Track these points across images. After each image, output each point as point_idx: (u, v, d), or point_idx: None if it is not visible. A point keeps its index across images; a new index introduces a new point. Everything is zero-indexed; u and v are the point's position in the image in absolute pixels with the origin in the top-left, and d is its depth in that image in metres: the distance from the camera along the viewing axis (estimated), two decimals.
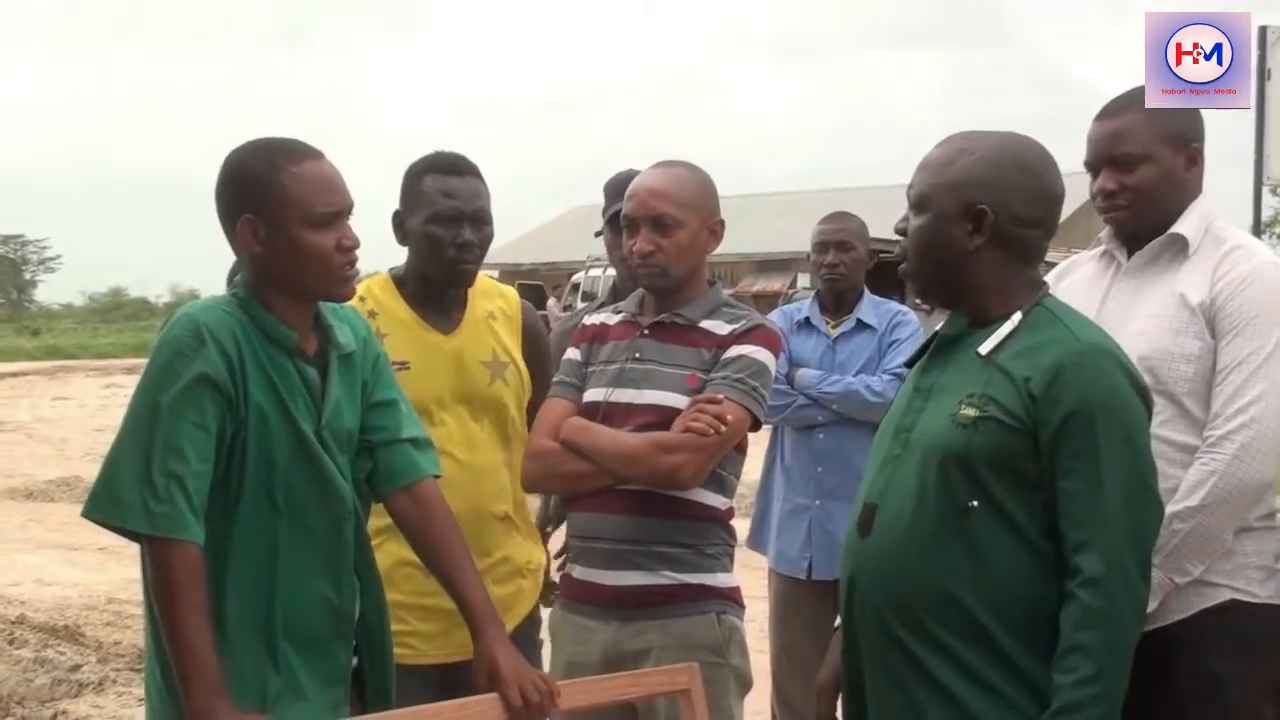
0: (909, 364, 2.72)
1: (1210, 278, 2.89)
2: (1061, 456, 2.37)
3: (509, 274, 37.46)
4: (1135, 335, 2.81)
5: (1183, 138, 3.00)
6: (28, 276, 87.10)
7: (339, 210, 2.65)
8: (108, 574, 9.14)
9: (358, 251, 2.69)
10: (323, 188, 2.63)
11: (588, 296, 23.22)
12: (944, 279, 2.58)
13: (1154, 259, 3.00)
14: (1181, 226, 2.96)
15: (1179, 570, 2.79)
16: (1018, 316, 2.49)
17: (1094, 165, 3.04)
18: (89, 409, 22.43)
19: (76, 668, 6.74)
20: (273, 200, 2.60)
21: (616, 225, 4.12)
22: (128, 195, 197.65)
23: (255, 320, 2.63)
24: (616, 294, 4.14)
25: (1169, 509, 2.71)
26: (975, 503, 2.40)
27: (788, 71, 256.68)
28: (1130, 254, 3.05)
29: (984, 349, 2.47)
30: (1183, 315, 2.88)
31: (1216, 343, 2.85)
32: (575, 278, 30.77)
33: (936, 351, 2.61)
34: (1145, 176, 2.96)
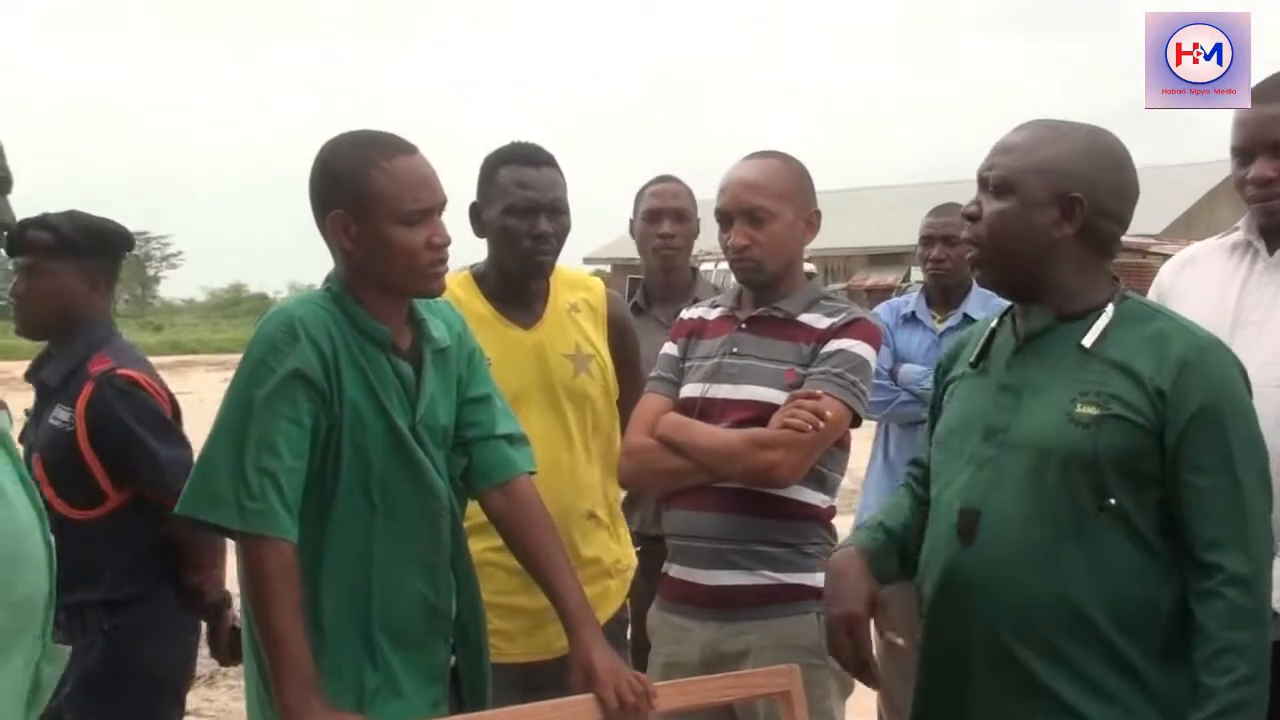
0: (973, 364, 2.53)
1: None
2: (1190, 453, 2.27)
3: (621, 269, 37.48)
4: None
5: None
6: (151, 273, 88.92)
7: (429, 207, 2.60)
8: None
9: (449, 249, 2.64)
10: (413, 184, 2.59)
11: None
12: (1022, 268, 2.41)
13: None
14: None
15: None
16: (1111, 308, 2.38)
17: (1248, 150, 2.91)
18: (208, 403, 22.50)
19: None
20: (363, 196, 2.57)
21: (653, 216, 4.44)
22: (247, 190, 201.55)
23: (349, 315, 2.61)
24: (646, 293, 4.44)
25: None
26: (1114, 499, 2.28)
27: (904, 57, 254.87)
28: (1271, 248, 2.93)
29: (1088, 341, 2.35)
30: None
31: None
32: None
33: (1021, 347, 2.46)
34: None
